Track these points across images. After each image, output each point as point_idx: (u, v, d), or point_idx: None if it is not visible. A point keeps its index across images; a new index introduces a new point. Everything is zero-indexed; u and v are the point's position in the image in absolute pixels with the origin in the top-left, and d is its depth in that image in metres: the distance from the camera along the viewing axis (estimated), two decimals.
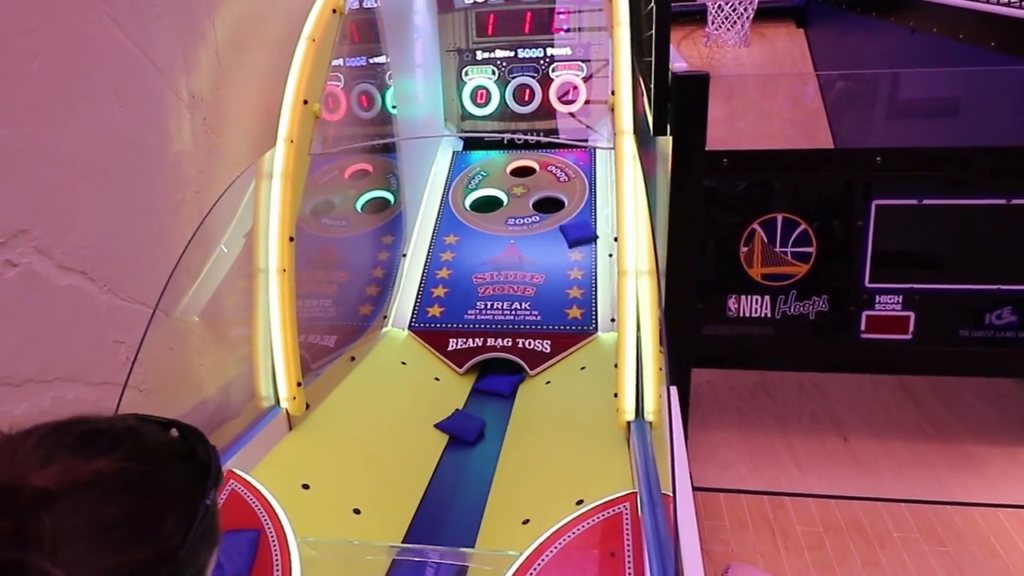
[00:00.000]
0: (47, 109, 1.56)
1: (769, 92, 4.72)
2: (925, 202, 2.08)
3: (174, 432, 0.60)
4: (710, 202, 2.10)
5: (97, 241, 1.72)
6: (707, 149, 1.99)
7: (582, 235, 3.26)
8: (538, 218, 3.47)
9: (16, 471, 0.48)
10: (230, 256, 2.16)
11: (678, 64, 2.12)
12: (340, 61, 3.61)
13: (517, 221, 3.46)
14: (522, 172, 3.83)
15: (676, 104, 1.98)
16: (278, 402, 2.13)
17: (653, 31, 1.99)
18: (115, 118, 1.80)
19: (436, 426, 2.39)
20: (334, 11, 2.44)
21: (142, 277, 1.88)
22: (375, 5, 3.59)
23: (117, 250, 1.80)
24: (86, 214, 1.69)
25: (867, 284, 2.11)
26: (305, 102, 2.29)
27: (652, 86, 2.08)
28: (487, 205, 3.62)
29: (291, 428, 2.14)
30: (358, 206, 3.59)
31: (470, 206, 3.60)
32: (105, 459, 0.51)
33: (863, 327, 2.12)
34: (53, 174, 1.59)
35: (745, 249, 2.11)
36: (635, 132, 2.08)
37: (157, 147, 1.98)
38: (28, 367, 1.51)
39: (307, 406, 2.18)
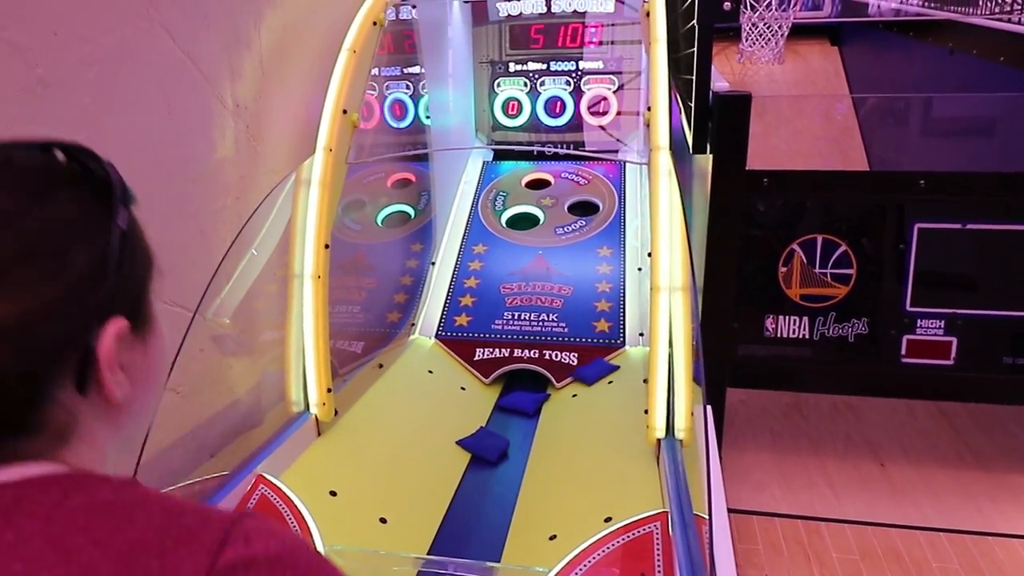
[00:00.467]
0: (101, 116, 1.60)
1: (801, 109, 4.68)
2: (969, 226, 2.04)
3: (59, 155, 0.49)
4: (749, 221, 2.08)
5: None
6: (748, 168, 1.97)
7: (602, 372, 2.76)
8: (583, 221, 3.48)
9: None
10: (261, 260, 2.18)
11: (719, 83, 2.11)
12: (376, 70, 3.67)
13: (565, 229, 3.46)
14: (539, 185, 3.85)
15: (717, 123, 1.97)
16: (308, 408, 2.14)
17: (695, 50, 1.99)
18: (164, 125, 1.84)
19: (459, 443, 2.37)
20: (374, 23, 2.48)
21: (181, 281, 1.92)
22: (412, 17, 3.65)
23: (160, 254, 1.82)
24: None
25: (908, 308, 2.07)
26: (344, 112, 2.32)
27: (692, 104, 2.07)
28: (523, 222, 3.62)
29: (319, 434, 2.15)
30: (386, 215, 3.62)
31: (506, 224, 3.61)
32: None
33: (904, 351, 2.08)
34: None
35: (784, 269, 2.08)
36: (669, 147, 2.07)
37: (202, 154, 2.02)
38: None
39: (336, 412, 2.20)
